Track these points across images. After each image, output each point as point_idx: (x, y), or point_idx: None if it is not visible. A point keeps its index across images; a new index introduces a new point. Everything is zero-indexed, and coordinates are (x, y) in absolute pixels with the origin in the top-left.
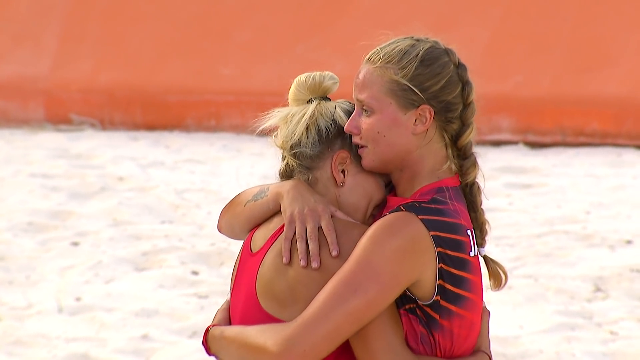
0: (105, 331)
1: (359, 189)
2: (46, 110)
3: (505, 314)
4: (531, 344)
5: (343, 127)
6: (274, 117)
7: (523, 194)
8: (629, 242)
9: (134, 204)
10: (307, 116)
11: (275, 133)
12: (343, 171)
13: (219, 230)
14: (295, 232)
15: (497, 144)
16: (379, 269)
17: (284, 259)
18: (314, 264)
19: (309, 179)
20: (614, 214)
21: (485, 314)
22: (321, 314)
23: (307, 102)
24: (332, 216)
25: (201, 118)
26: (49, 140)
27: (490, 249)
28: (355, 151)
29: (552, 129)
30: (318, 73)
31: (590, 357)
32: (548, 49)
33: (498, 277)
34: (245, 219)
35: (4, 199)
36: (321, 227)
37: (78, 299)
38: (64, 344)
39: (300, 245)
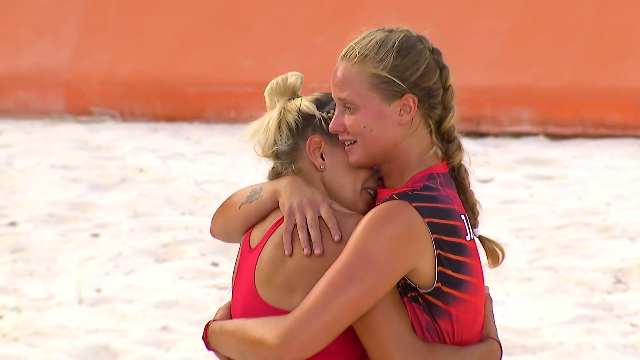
0: (125, 322)
1: (340, 167)
2: (66, 101)
3: (526, 305)
4: (551, 336)
5: (310, 116)
6: (252, 131)
7: (543, 186)
8: None
9: (154, 195)
10: (274, 117)
11: (254, 146)
12: (322, 155)
13: (212, 234)
14: (295, 224)
15: (517, 135)
16: (374, 257)
17: (286, 251)
18: (317, 250)
19: (293, 171)
20: (635, 206)
21: (488, 300)
22: (318, 305)
23: None
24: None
25: (221, 109)
26: (69, 131)
27: (510, 241)
28: (327, 132)
29: (572, 120)
30: (281, 76)
31: (610, 349)
32: (568, 40)
33: (495, 255)
34: (240, 221)
35: (24, 190)
36: (321, 216)
37: (98, 290)
38: (84, 335)
39: (302, 235)
